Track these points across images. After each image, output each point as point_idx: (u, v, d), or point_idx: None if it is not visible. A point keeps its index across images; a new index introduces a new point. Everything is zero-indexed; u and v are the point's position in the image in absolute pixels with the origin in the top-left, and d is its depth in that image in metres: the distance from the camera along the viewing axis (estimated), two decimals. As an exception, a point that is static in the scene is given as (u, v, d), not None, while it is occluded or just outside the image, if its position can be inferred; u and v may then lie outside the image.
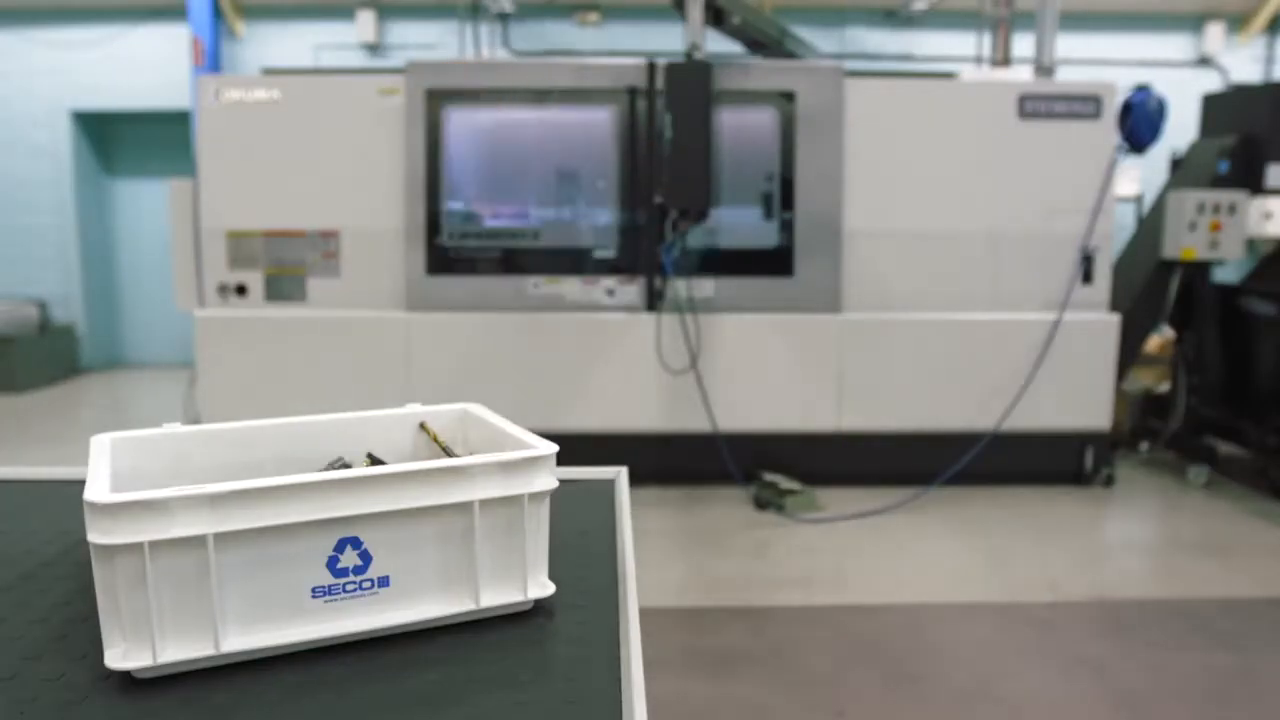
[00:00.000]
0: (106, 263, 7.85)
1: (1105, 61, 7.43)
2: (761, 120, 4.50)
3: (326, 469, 0.83)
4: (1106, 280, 4.61)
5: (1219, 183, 4.86)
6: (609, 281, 4.54)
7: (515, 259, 4.50)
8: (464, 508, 0.73)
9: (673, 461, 4.52)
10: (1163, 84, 4.88)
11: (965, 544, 3.97)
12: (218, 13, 7.14)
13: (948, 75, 4.95)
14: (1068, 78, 4.93)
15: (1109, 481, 4.72)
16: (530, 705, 0.64)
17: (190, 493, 0.63)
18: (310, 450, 0.86)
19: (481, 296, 4.47)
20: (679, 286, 4.42)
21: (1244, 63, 7.99)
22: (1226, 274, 5.39)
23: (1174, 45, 7.98)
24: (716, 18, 4.59)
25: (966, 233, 4.56)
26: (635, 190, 4.49)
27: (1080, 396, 4.62)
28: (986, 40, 6.01)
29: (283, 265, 4.42)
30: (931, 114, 4.52)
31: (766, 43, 4.99)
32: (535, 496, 0.76)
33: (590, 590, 0.82)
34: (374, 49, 7.44)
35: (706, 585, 3.56)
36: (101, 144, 7.75)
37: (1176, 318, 4.99)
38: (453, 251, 4.47)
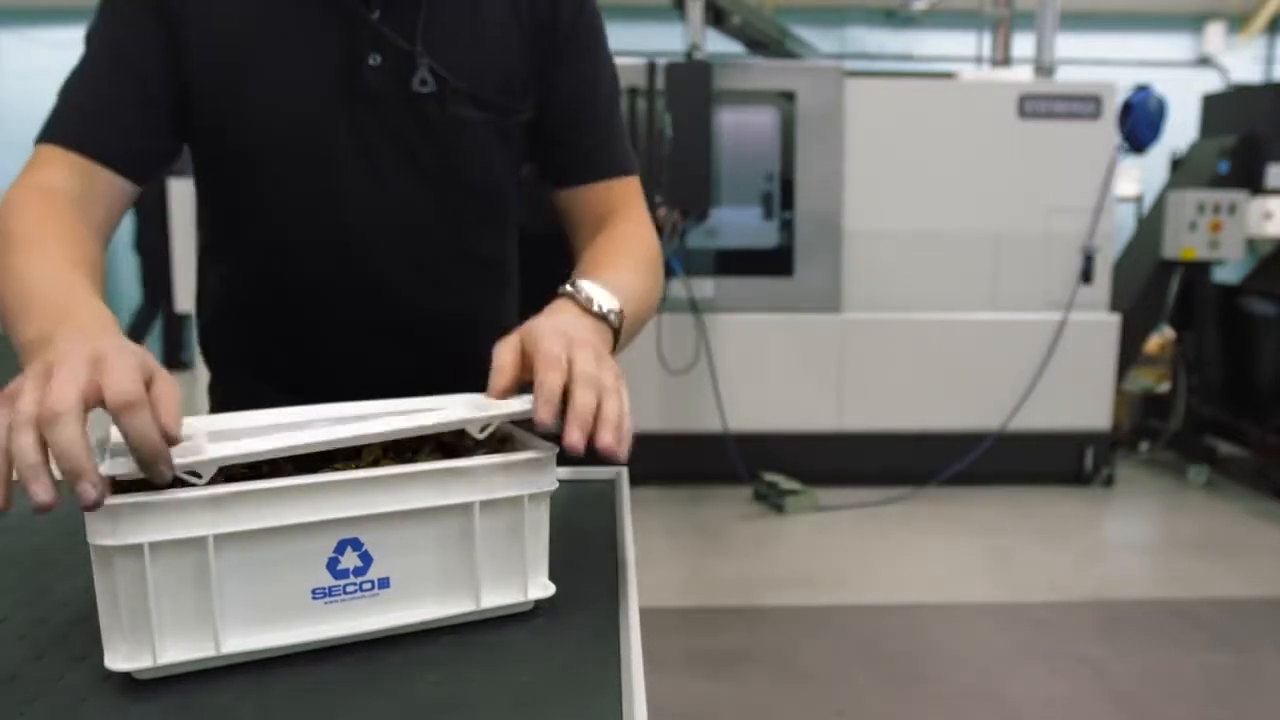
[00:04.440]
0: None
1: (1105, 61, 7.43)
2: (761, 120, 4.50)
3: None
4: (1106, 280, 4.61)
5: (1219, 183, 4.86)
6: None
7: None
8: (464, 509, 0.73)
9: (672, 461, 4.52)
10: (1163, 84, 4.87)
11: (965, 544, 3.97)
12: (218, 13, 7.12)
13: (948, 75, 4.95)
14: (1068, 78, 4.93)
15: (1109, 481, 4.72)
16: (530, 706, 0.64)
17: (190, 494, 0.63)
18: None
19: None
20: (678, 286, 4.42)
21: (1244, 63, 8.00)
22: (1226, 274, 5.39)
23: (1174, 45, 7.99)
24: (716, 18, 4.59)
25: (966, 233, 4.56)
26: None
27: (1080, 396, 4.62)
28: (986, 40, 6.01)
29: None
30: (931, 114, 4.52)
31: (767, 43, 4.99)
32: (535, 497, 0.76)
33: (590, 590, 0.82)
34: (374, 49, 7.42)
35: (707, 585, 3.56)
36: (101, 144, 7.74)
37: (1176, 318, 4.99)
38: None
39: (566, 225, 1.17)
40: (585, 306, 0.89)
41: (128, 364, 0.63)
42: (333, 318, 1.12)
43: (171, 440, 0.62)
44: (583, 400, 0.73)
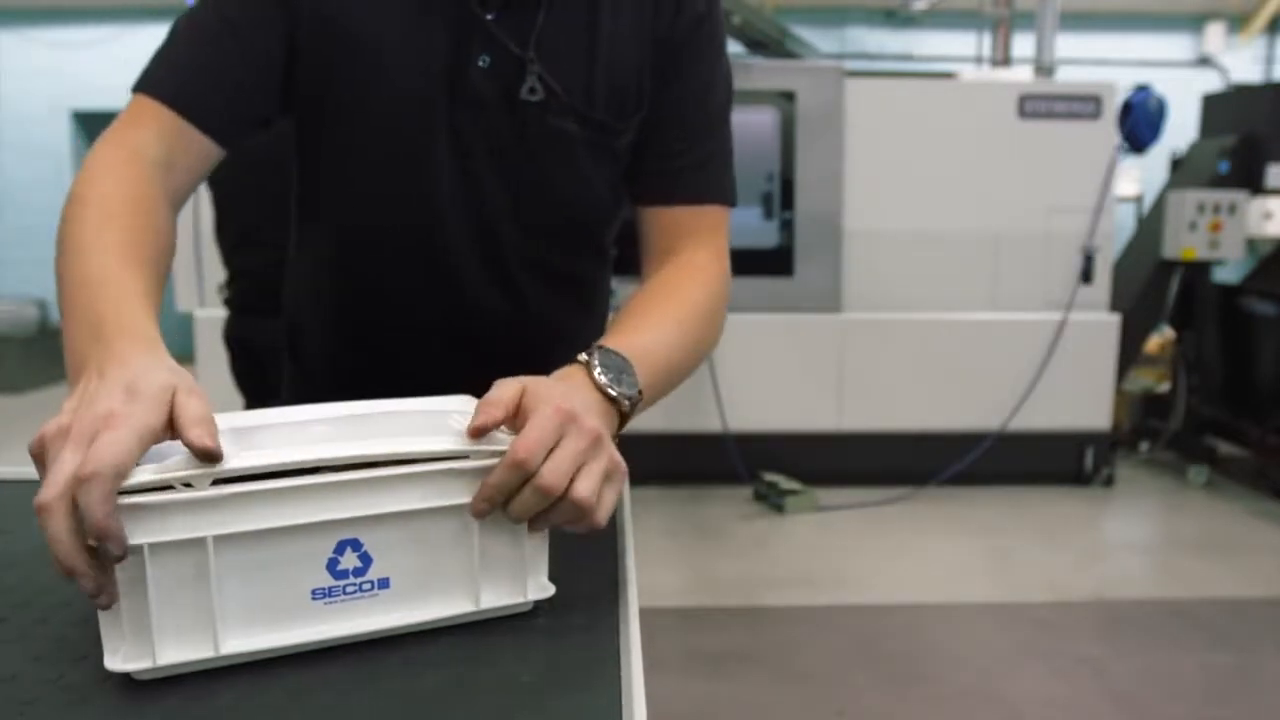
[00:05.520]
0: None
1: (1105, 61, 7.43)
2: (761, 120, 4.50)
3: None
4: (1106, 280, 4.61)
5: (1219, 183, 4.86)
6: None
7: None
8: (464, 509, 0.73)
9: (672, 461, 4.52)
10: (1163, 84, 4.88)
11: (965, 544, 3.97)
12: (218, 13, 7.13)
13: (948, 75, 4.95)
14: (1068, 78, 4.94)
15: (1109, 481, 4.72)
16: (530, 707, 0.64)
17: (190, 495, 0.63)
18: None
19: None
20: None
21: (1244, 63, 8.00)
22: (1226, 274, 5.39)
23: (1174, 45, 7.99)
24: (716, 18, 4.58)
25: (966, 233, 4.56)
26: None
27: (1080, 396, 4.62)
28: (986, 40, 6.01)
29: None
30: (931, 114, 4.52)
31: (767, 43, 4.99)
32: (535, 497, 0.75)
33: (590, 590, 0.82)
34: (374, 49, 7.43)
35: (707, 585, 3.56)
36: (101, 144, 7.75)
37: (1176, 318, 4.99)
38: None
39: (638, 242, 1.10)
40: (597, 384, 0.81)
41: (121, 435, 0.61)
42: (410, 316, 1.10)
43: (211, 456, 0.63)
44: (521, 504, 0.71)
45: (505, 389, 0.74)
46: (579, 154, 1.06)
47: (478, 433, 0.71)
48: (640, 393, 0.84)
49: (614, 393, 0.81)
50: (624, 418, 0.83)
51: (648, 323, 0.95)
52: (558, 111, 1.02)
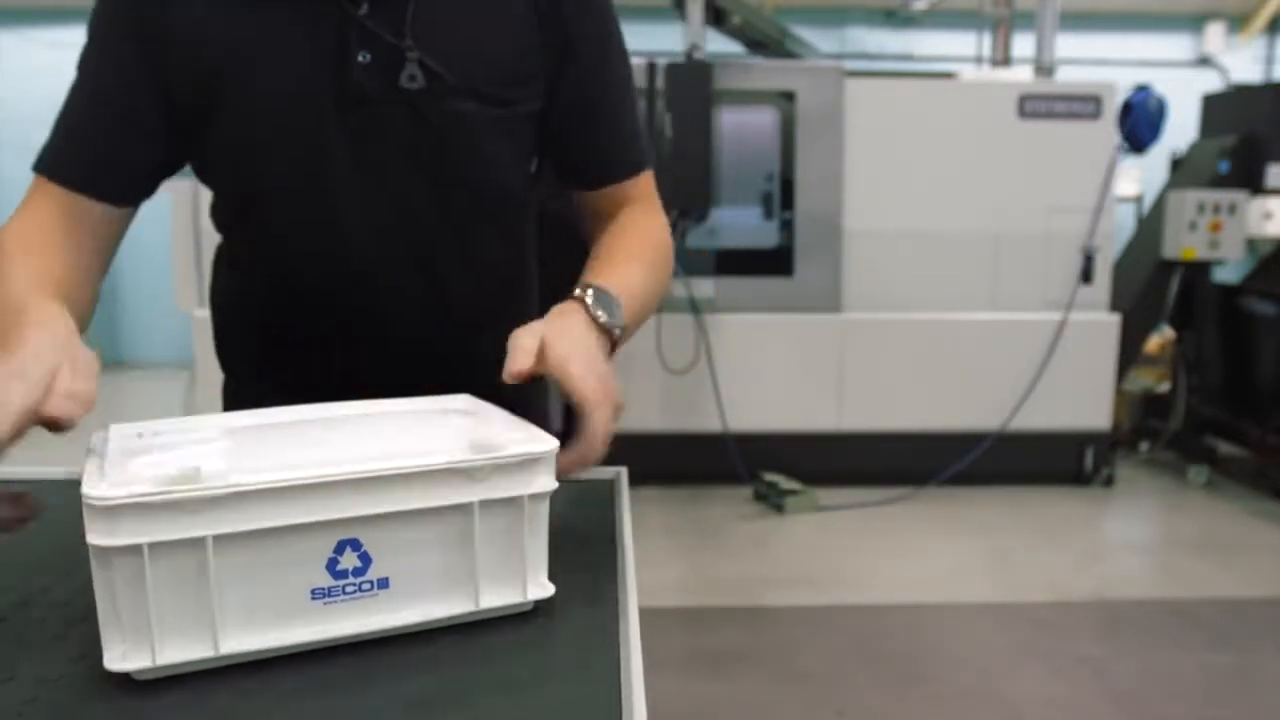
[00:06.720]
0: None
1: (1105, 61, 7.42)
2: (761, 120, 4.49)
3: None
4: (1106, 280, 4.61)
5: (1219, 183, 4.86)
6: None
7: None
8: (464, 509, 0.73)
9: (672, 461, 4.52)
10: (1163, 84, 4.87)
11: (965, 544, 3.97)
12: (218, 13, 7.11)
13: (948, 75, 4.95)
14: (1068, 78, 4.93)
15: (1109, 481, 4.72)
16: (530, 706, 0.64)
17: (190, 494, 0.63)
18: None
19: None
20: (678, 286, 4.42)
21: (1244, 63, 7.99)
22: (1226, 274, 5.39)
23: (1174, 45, 7.98)
24: (716, 18, 4.59)
25: (966, 233, 4.56)
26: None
27: (1080, 396, 4.62)
28: (986, 40, 6.01)
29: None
30: (931, 114, 4.52)
31: (767, 43, 4.99)
32: (535, 497, 0.76)
33: (590, 590, 0.82)
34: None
35: (706, 585, 3.56)
36: (101, 144, 7.73)
37: (1176, 318, 4.99)
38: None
39: (581, 215, 1.17)
40: (593, 318, 0.93)
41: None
42: (338, 323, 1.09)
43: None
44: (599, 450, 0.85)
45: (526, 338, 0.86)
46: (482, 134, 1.05)
47: (517, 377, 0.83)
48: (624, 325, 0.95)
49: (607, 322, 0.93)
50: (614, 346, 0.95)
51: (619, 263, 1.05)
52: (452, 94, 1.02)
